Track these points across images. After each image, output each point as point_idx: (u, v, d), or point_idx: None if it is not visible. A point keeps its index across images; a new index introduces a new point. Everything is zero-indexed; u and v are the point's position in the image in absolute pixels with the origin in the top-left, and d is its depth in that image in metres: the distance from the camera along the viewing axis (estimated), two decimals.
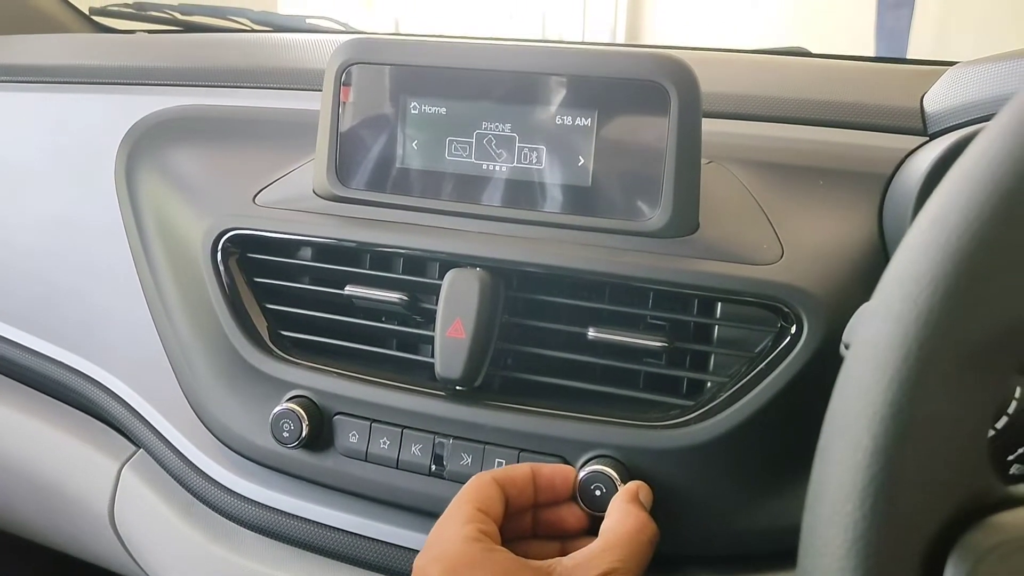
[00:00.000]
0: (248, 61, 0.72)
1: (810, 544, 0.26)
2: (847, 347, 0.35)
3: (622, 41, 4.16)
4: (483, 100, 0.50)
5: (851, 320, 0.37)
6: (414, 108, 0.52)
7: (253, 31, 1.09)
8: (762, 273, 0.46)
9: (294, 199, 0.55)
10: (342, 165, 0.53)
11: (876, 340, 0.25)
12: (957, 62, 0.56)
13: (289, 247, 0.55)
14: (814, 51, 0.81)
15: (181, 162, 0.63)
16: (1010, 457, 0.41)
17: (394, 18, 4.33)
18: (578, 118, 0.49)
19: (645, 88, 0.47)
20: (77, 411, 0.69)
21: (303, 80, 0.68)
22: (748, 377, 0.46)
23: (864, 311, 0.35)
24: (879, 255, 0.48)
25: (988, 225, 0.24)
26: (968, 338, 0.24)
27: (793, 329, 0.45)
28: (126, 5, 1.07)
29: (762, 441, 0.46)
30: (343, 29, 1.15)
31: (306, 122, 0.61)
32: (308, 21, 1.13)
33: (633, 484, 0.45)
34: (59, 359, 0.67)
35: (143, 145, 0.65)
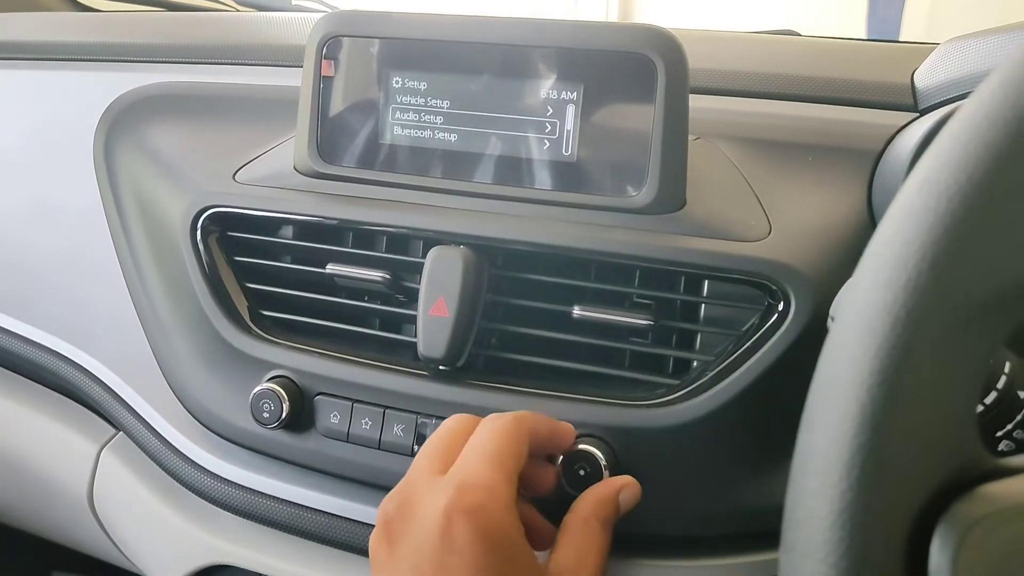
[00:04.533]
0: (229, 38, 0.71)
1: (794, 516, 0.25)
2: (833, 320, 0.35)
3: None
4: (467, 73, 0.49)
5: (838, 295, 0.36)
6: (396, 82, 0.51)
7: (237, 11, 1.08)
8: (749, 250, 0.45)
9: (275, 176, 0.54)
10: (323, 141, 0.52)
11: (864, 307, 0.24)
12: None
13: (270, 225, 0.54)
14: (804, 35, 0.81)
15: (160, 140, 0.62)
16: (999, 433, 0.40)
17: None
18: (563, 92, 0.48)
19: (631, 60, 0.46)
20: (56, 393, 0.68)
21: (285, 56, 0.67)
22: (735, 355, 0.45)
23: (851, 282, 0.35)
24: (868, 232, 0.48)
25: (977, 188, 0.23)
26: (958, 303, 0.24)
27: (780, 306, 0.45)
28: None
29: (749, 419, 0.45)
30: (329, 10, 1.14)
31: (288, 98, 0.60)
32: (294, 2, 1.12)
33: (589, 500, 0.42)
34: (38, 340, 0.66)
35: (122, 123, 0.64)
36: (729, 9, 3.82)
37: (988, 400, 0.39)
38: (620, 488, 0.42)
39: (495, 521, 0.35)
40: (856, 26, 3.13)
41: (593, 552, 0.39)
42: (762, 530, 0.44)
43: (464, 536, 0.34)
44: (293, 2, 1.12)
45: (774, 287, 0.45)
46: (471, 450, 0.38)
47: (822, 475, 0.24)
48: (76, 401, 0.66)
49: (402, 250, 0.52)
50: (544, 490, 0.44)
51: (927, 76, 0.52)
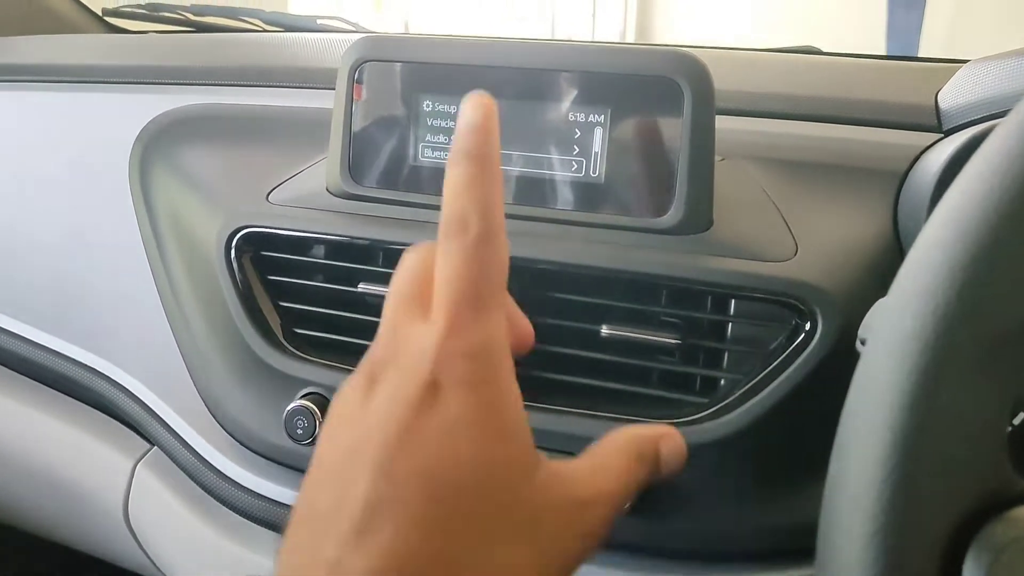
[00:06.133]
0: (260, 60, 0.73)
1: (828, 537, 0.26)
2: (863, 343, 0.35)
3: (632, 41, 4.16)
4: (495, 97, 0.50)
5: (867, 316, 0.37)
6: (427, 105, 0.52)
7: (265, 31, 1.10)
8: (776, 270, 0.45)
9: (307, 197, 0.55)
10: (355, 163, 0.54)
11: (894, 333, 0.25)
12: (970, 60, 0.56)
13: (302, 245, 0.56)
14: (825, 50, 0.81)
15: (194, 161, 0.63)
16: None
17: (403, 19, 4.34)
18: (591, 115, 0.49)
19: (658, 84, 0.47)
20: (92, 409, 0.69)
21: (315, 79, 0.68)
22: (762, 374, 0.45)
23: (880, 305, 0.35)
24: (894, 252, 0.48)
25: (1005, 219, 0.24)
26: (985, 331, 0.24)
27: (807, 326, 0.45)
28: (139, 6, 1.08)
29: (777, 437, 0.45)
30: (354, 29, 1.16)
31: (318, 120, 0.62)
32: (319, 21, 1.14)
33: (627, 431, 0.35)
34: (75, 357, 0.68)
35: (156, 144, 0.66)
36: (746, 21, 3.83)
37: (1017, 421, 0.39)
38: (662, 435, 0.35)
39: (492, 377, 0.29)
40: (875, 35, 3.13)
41: (617, 478, 0.32)
42: (792, 547, 0.45)
43: (457, 382, 0.28)
44: (318, 21, 1.14)
45: (801, 307, 0.45)
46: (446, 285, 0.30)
47: (855, 497, 0.25)
48: (112, 417, 0.68)
49: None
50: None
51: (951, 97, 0.53)
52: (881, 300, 0.36)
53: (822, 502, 0.27)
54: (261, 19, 1.11)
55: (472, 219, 0.29)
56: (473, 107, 0.31)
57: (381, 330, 0.31)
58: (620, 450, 0.33)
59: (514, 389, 0.30)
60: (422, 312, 0.30)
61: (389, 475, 0.26)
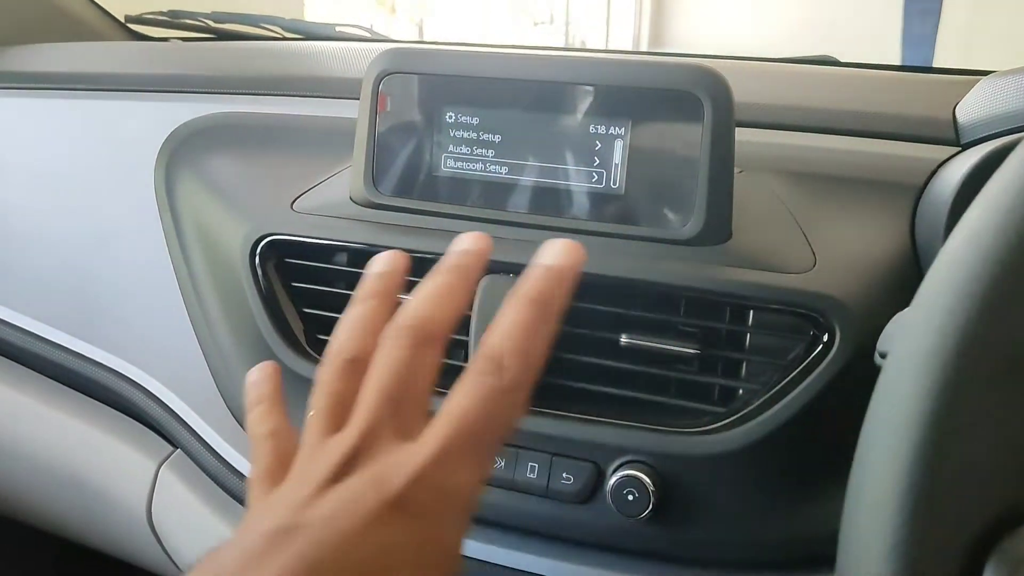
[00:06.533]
0: (283, 69, 0.74)
1: (849, 548, 0.27)
2: (883, 356, 0.36)
3: (645, 48, 4.16)
4: (518, 109, 0.51)
5: (886, 328, 0.37)
6: (450, 117, 0.53)
7: (284, 39, 1.11)
8: (795, 282, 0.46)
9: (331, 205, 0.56)
10: (378, 172, 0.54)
11: (916, 348, 0.26)
12: (990, 71, 0.57)
13: (326, 252, 0.56)
14: (841, 60, 0.82)
15: (219, 169, 0.64)
16: None
17: (417, 24, 4.36)
18: (611, 127, 0.50)
19: (679, 98, 0.48)
20: (116, 411, 0.70)
21: (338, 88, 0.69)
22: (780, 385, 0.46)
23: (901, 320, 0.36)
24: (911, 265, 0.49)
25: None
26: (1005, 347, 0.25)
27: (825, 338, 0.46)
28: (160, 13, 1.10)
29: (795, 448, 0.46)
30: (371, 37, 1.17)
31: (341, 129, 0.63)
32: (338, 29, 1.15)
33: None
34: (99, 360, 0.69)
35: (181, 152, 0.67)
36: (759, 29, 3.82)
37: None
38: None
39: (455, 520, 0.28)
40: (891, 45, 3.12)
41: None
42: (811, 557, 0.45)
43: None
44: (337, 29, 1.15)
45: (820, 318, 0.46)
46: (457, 416, 0.29)
47: (876, 509, 0.26)
48: (135, 419, 0.69)
49: None
50: None
51: (969, 111, 0.53)
52: (900, 313, 0.36)
53: (843, 513, 0.27)
54: (281, 26, 1.12)
55: (512, 365, 0.29)
56: (561, 250, 0.33)
57: (361, 424, 0.29)
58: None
59: (461, 545, 0.28)
60: (410, 427, 0.29)
61: (313, 572, 0.25)
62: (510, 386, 0.29)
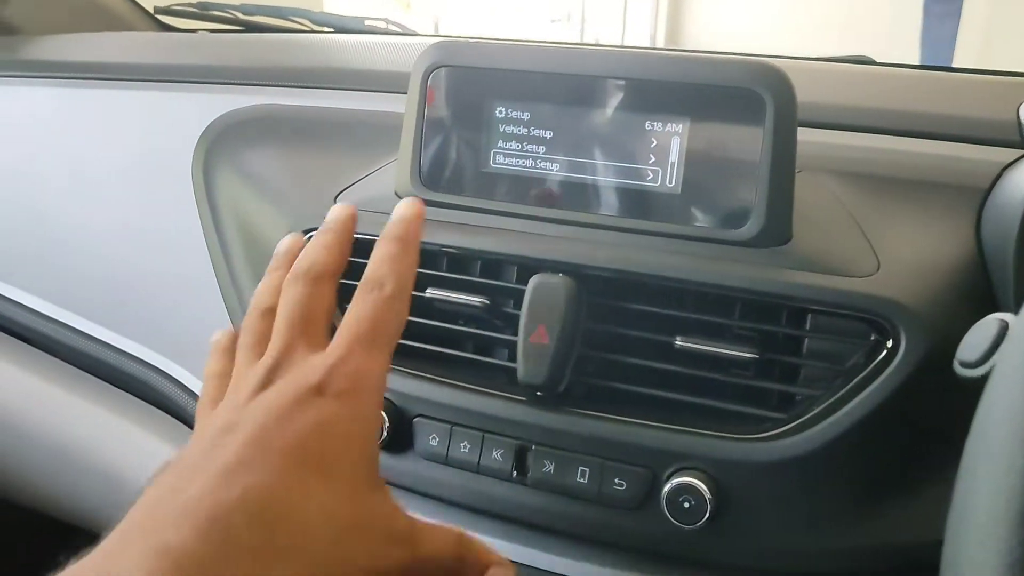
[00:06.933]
0: (318, 62, 0.73)
1: (957, 564, 0.25)
2: (964, 365, 0.34)
3: (661, 46, 4.14)
4: (571, 105, 0.50)
5: (967, 336, 0.36)
6: (500, 112, 0.52)
7: (313, 31, 1.10)
8: (860, 286, 0.45)
9: (376, 201, 0.55)
10: (425, 168, 0.53)
11: None
12: None
13: (370, 249, 0.55)
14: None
15: (259, 161, 0.63)
16: None
17: (433, 19, 4.35)
18: (668, 124, 0.48)
19: (740, 96, 0.46)
20: (147, 404, 0.69)
21: (374, 81, 0.68)
22: (843, 391, 0.45)
23: (984, 326, 0.34)
24: (977, 270, 0.47)
25: None
26: None
27: (889, 343, 0.45)
28: (190, 4, 1.09)
29: (858, 456, 0.45)
30: (401, 31, 1.16)
31: (385, 124, 0.62)
32: (367, 23, 1.14)
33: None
34: (133, 352, 0.68)
35: (220, 145, 0.66)
36: (777, 28, 3.80)
37: None
38: (500, 562, 0.38)
39: (367, 400, 0.34)
40: (910, 45, 3.10)
41: (426, 546, 0.35)
42: (874, 569, 0.44)
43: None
44: (366, 22, 1.14)
45: (883, 324, 0.45)
46: (353, 324, 0.36)
47: (988, 527, 0.24)
48: (166, 412, 0.68)
49: (497, 276, 0.53)
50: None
51: None
52: (984, 320, 0.35)
53: (947, 527, 0.26)
54: (310, 19, 1.11)
55: (387, 282, 0.37)
56: (407, 204, 0.40)
57: (276, 346, 0.36)
58: (452, 540, 0.36)
59: (379, 417, 0.38)
60: (316, 342, 0.36)
61: (261, 446, 0.30)
62: (391, 295, 0.36)
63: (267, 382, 0.34)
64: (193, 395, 0.65)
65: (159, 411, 0.69)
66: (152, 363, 0.68)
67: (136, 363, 0.68)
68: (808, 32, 3.63)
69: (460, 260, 0.54)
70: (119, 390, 0.71)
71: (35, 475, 0.76)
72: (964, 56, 2.95)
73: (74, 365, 0.73)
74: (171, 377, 0.66)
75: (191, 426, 0.66)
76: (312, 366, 0.34)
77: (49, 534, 0.78)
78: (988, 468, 0.25)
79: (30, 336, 0.76)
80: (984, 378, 0.32)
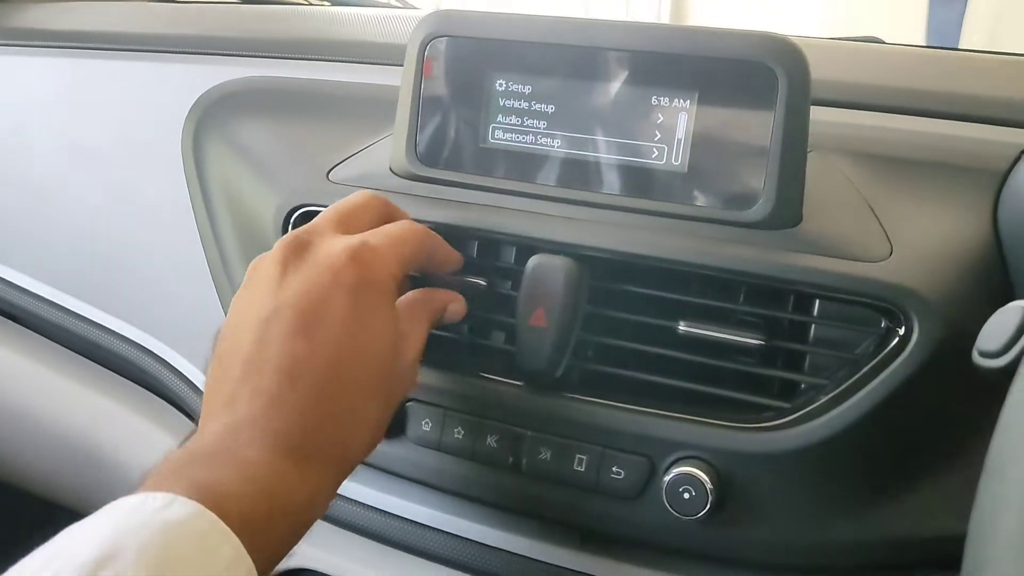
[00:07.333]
0: (315, 33, 0.71)
1: (979, 566, 0.24)
2: (983, 355, 0.33)
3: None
4: (574, 78, 0.48)
5: (987, 326, 0.34)
6: (500, 85, 0.50)
7: (311, 4, 1.07)
8: (872, 271, 0.43)
9: (369, 176, 0.53)
10: (421, 143, 0.51)
11: None
12: None
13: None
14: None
15: (250, 135, 0.61)
16: None
17: (435, 2, 4.30)
18: (675, 99, 0.46)
19: (751, 70, 0.44)
20: (138, 386, 0.68)
21: (372, 54, 0.66)
22: (851, 380, 0.43)
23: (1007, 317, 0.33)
24: (994, 256, 0.46)
25: None
26: None
27: (901, 331, 0.43)
28: None
29: (865, 447, 0.43)
30: (401, 5, 1.13)
31: (379, 97, 0.60)
32: None
33: (419, 293, 0.47)
34: (123, 333, 0.66)
35: (211, 117, 0.64)
36: (783, 9, 3.76)
37: None
38: (449, 300, 0.47)
39: (381, 280, 0.40)
40: (915, 31, 3.06)
41: (423, 338, 0.44)
42: (879, 562, 0.43)
43: (352, 279, 0.38)
44: None
45: (895, 311, 0.43)
46: (378, 231, 0.42)
47: (1015, 526, 0.23)
48: (157, 395, 0.67)
49: (495, 256, 0.51)
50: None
51: None
52: (1005, 308, 0.33)
53: (971, 523, 0.25)
54: None
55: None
56: None
57: (307, 228, 0.41)
58: (411, 307, 0.44)
59: (395, 294, 0.41)
60: (346, 230, 0.42)
61: (307, 336, 0.36)
62: (429, 233, 0.45)
63: (293, 255, 0.40)
64: (183, 378, 0.63)
65: (151, 394, 0.68)
66: (142, 344, 0.66)
67: (126, 344, 0.67)
68: (812, 13, 3.59)
69: (456, 239, 0.52)
70: (110, 372, 0.69)
71: (26, 456, 0.74)
72: (971, 39, 2.91)
73: (62, 344, 0.71)
74: (161, 359, 0.65)
75: (182, 410, 0.65)
76: (339, 241, 0.40)
77: (32, 514, 0.77)
78: (1015, 467, 0.23)
79: (17, 314, 0.74)
80: (1005, 370, 0.30)
